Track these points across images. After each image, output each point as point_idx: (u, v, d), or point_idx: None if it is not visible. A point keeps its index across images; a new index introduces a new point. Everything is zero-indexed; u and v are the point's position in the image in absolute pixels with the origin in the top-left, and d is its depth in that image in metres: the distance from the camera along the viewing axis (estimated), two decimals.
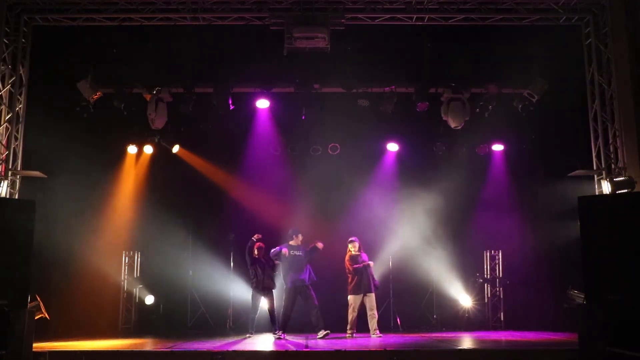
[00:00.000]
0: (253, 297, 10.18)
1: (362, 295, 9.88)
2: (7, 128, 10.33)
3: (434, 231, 12.17)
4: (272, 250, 10.03)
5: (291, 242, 10.09)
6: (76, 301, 11.14)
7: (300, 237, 10.12)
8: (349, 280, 9.99)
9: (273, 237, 10.86)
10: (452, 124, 11.16)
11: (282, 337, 9.71)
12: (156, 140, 11.64)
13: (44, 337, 8.93)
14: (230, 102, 11.08)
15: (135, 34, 10.74)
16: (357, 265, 9.87)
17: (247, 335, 10.08)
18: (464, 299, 12.07)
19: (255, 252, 10.20)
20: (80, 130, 11.14)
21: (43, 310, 8.95)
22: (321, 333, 9.64)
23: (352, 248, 10.03)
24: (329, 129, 11.76)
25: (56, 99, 11.09)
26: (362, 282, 9.87)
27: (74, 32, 10.71)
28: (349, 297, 10.00)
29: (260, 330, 10.38)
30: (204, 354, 7.69)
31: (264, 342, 9.46)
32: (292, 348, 8.26)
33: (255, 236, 10.27)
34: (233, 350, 7.73)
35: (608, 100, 10.49)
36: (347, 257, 10.03)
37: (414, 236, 12.19)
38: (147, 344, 9.60)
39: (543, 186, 11.90)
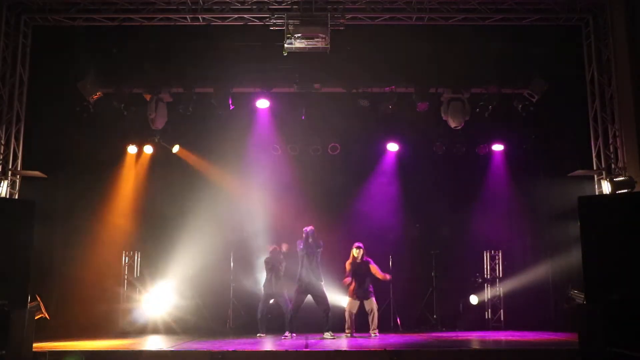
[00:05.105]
0: (263, 297, 10.42)
1: (359, 301, 9.92)
2: (7, 128, 10.33)
3: (434, 231, 12.20)
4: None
5: (309, 242, 10.00)
6: (76, 301, 11.13)
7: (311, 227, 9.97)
8: (348, 283, 10.00)
9: (272, 238, 10.87)
10: (452, 124, 11.15)
11: (287, 336, 9.74)
12: (156, 140, 11.65)
13: (44, 337, 8.93)
14: (230, 102, 11.08)
15: (136, 34, 10.74)
16: (346, 279, 9.90)
17: (258, 335, 10.14)
18: (471, 298, 12.04)
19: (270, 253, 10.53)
20: (80, 130, 11.16)
21: (43, 310, 8.94)
22: (327, 334, 9.66)
23: (356, 253, 9.98)
24: (329, 129, 11.77)
25: (56, 99, 11.08)
26: (360, 289, 9.89)
27: (74, 32, 10.70)
28: (348, 299, 10.05)
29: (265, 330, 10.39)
30: (204, 354, 7.69)
31: (264, 342, 9.46)
32: (292, 348, 8.25)
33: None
34: (233, 350, 7.73)
35: (608, 100, 10.51)
36: (347, 263, 10.03)
37: (414, 236, 12.20)
38: (147, 344, 9.60)
39: (543, 186, 11.90)
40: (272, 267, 10.50)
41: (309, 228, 9.84)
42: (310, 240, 9.79)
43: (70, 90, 10.82)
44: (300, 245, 9.85)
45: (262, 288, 10.59)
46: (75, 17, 10.55)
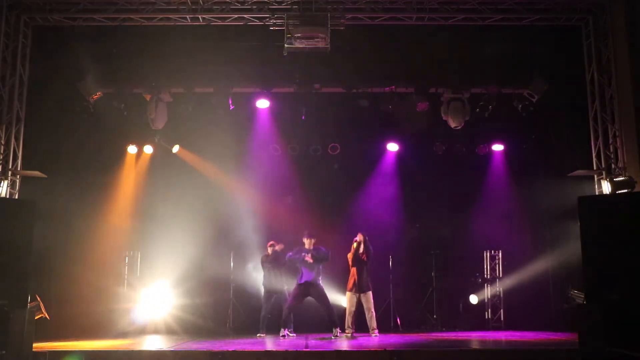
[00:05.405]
0: (265, 296, 10.45)
1: (358, 294, 9.93)
2: (7, 128, 10.33)
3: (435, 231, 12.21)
4: (289, 255, 10.00)
5: (305, 245, 9.98)
6: (76, 301, 11.12)
7: (312, 240, 9.97)
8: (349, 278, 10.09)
9: (272, 237, 10.89)
10: (452, 124, 11.15)
11: (285, 335, 9.74)
12: (156, 140, 11.65)
13: (44, 337, 8.93)
14: (230, 102, 11.08)
15: (136, 34, 10.74)
16: (354, 257, 9.99)
17: (258, 335, 10.13)
18: (471, 298, 12.04)
19: (269, 250, 10.47)
20: (80, 130, 11.15)
21: (43, 310, 8.94)
22: (335, 332, 9.67)
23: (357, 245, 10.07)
24: (329, 129, 11.78)
25: (56, 99, 11.08)
26: (359, 281, 9.93)
27: (74, 32, 10.70)
28: (346, 294, 10.13)
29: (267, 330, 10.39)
30: (204, 354, 7.69)
31: (264, 342, 9.46)
32: (292, 348, 8.25)
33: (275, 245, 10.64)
34: (233, 350, 7.73)
35: (608, 100, 10.50)
36: (349, 254, 10.10)
37: (414, 236, 12.21)
38: (147, 344, 9.60)
39: (543, 186, 11.89)
40: (270, 266, 10.49)
41: (306, 256, 9.79)
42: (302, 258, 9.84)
43: (70, 90, 10.82)
44: (295, 255, 9.86)
45: (262, 287, 10.60)
46: (75, 17, 10.55)
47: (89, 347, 8.40)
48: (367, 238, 10.06)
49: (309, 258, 9.72)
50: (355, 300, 9.99)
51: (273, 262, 10.49)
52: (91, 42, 10.72)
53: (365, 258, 10.00)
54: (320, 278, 9.87)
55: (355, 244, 10.09)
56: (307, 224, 10.83)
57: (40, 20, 10.63)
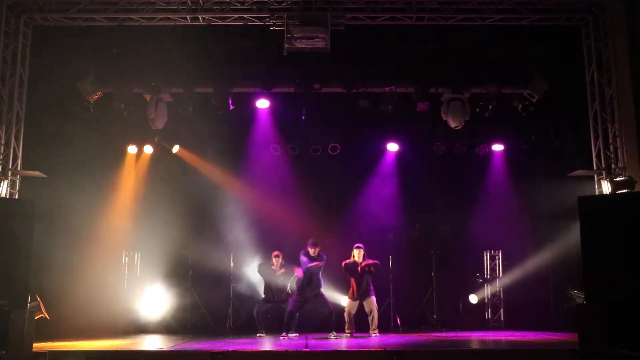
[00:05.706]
0: (262, 299, 10.43)
1: (358, 301, 9.92)
2: (7, 128, 10.33)
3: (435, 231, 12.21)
4: (304, 266, 9.90)
5: (310, 254, 9.93)
6: (76, 301, 11.11)
7: (317, 248, 9.92)
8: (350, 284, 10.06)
9: (273, 238, 10.88)
10: (452, 124, 11.15)
11: (284, 336, 9.74)
12: (156, 140, 11.65)
13: (44, 337, 8.93)
14: (230, 102, 11.08)
15: (136, 34, 10.74)
16: (349, 272, 9.97)
17: (258, 335, 10.10)
18: (471, 297, 12.04)
19: (273, 260, 10.40)
20: (80, 130, 11.15)
21: (43, 310, 8.95)
22: (331, 335, 9.67)
23: (356, 254, 10.00)
24: (329, 129, 11.78)
25: (56, 99, 11.08)
26: (360, 289, 9.90)
27: (74, 32, 10.70)
28: (347, 300, 10.09)
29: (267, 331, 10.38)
30: (204, 354, 7.69)
31: (264, 342, 9.46)
32: (292, 348, 8.25)
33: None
34: (233, 350, 7.73)
35: (608, 100, 10.49)
36: (344, 264, 10.04)
37: (414, 236, 12.21)
38: (147, 344, 9.61)
39: (543, 186, 11.90)
40: (271, 277, 10.36)
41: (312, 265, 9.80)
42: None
43: (70, 90, 10.83)
44: (312, 267, 9.82)
45: (263, 294, 10.54)
46: (75, 17, 10.54)
47: (89, 347, 8.40)
48: (377, 264, 10.08)
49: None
50: (356, 304, 9.97)
51: (274, 274, 10.36)
52: (91, 42, 10.73)
53: (368, 270, 9.99)
54: (321, 286, 9.90)
55: (355, 252, 10.01)
56: (307, 224, 10.84)
57: (40, 20, 10.62)
